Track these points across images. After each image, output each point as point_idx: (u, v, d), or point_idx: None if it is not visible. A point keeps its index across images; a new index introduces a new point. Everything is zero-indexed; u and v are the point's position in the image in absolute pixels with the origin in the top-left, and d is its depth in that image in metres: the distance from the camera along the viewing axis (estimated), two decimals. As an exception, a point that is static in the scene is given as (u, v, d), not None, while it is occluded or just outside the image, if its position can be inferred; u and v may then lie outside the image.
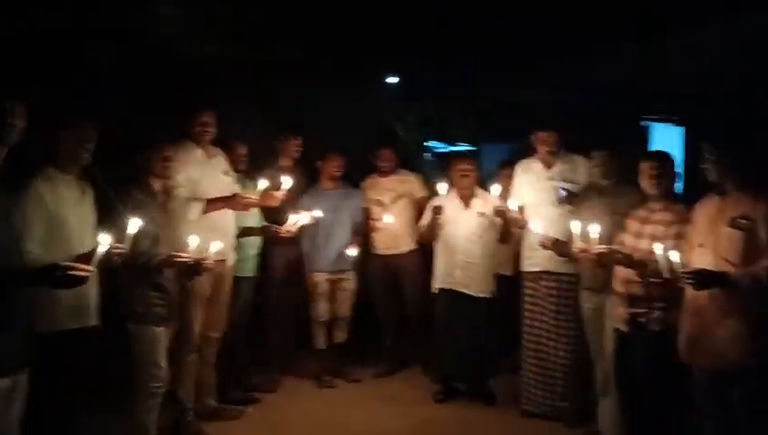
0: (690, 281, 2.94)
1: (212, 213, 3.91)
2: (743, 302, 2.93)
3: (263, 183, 3.94)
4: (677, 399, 3.43)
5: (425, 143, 11.61)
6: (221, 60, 4.74)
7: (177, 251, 3.41)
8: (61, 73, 4.24)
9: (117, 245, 2.68)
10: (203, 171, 4.02)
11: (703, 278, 2.93)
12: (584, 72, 6.63)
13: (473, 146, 9.61)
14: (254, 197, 3.92)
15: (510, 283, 4.82)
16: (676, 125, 8.01)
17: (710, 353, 3.04)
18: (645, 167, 3.54)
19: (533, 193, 4.40)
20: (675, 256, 3.02)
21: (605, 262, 3.56)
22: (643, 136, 8.20)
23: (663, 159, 3.58)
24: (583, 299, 4.08)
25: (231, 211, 4.08)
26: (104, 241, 2.52)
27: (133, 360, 3.46)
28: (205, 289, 3.99)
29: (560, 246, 3.87)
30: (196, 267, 3.42)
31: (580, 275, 4.11)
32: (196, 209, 3.82)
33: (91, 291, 3.02)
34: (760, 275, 2.84)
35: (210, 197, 3.94)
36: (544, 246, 3.89)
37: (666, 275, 3.03)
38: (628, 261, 3.46)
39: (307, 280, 5.01)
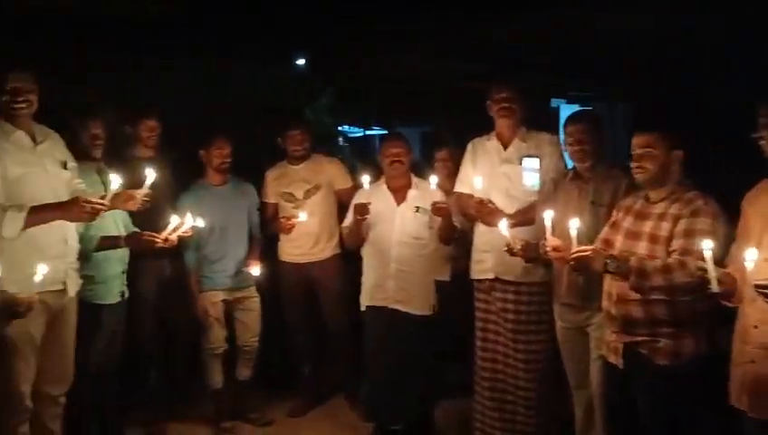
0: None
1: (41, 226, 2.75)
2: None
3: (116, 179, 2.79)
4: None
5: (337, 128, 10.81)
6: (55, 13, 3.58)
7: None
8: None
9: None
10: (26, 164, 2.83)
11: None
12: (491, 44, 5.89)
13: (386, 130, 8.90)
14: (98, 199, 2.75)
15: (449, 288, 3.95)
16: (584, 105, 7.42)
17: None
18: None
19: (486, 180, 3.45)
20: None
21: (581, 269, 2.68)
22: (553, 118, 7.55)
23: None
24: (558, 316, 3.20)
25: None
26: None
27: None
28: (32, 334, 2.83)
29: (531, 251, 2.93)
30: (12, 308, 2.45)
31: (551, 286, 3.24)
32: (14, 222, 2.63)
33: None
34: None
35: (37, 202, 2.76)
36: (511, 252, 2.94)
37: (714, 288, 2.18)
38: (623, 270, 2.55)
39: (195, 302, 3.92)
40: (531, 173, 3.45)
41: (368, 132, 11.56)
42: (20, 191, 2.77)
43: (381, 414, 3.86)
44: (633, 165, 2.67)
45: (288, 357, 4.39)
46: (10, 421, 2.82)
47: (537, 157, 3.44)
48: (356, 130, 11.68)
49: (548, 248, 2.72)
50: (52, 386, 3.01)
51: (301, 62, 7.56)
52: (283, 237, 4.19)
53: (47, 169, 2.91)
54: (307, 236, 4.13)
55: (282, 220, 4.05)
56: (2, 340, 2.67)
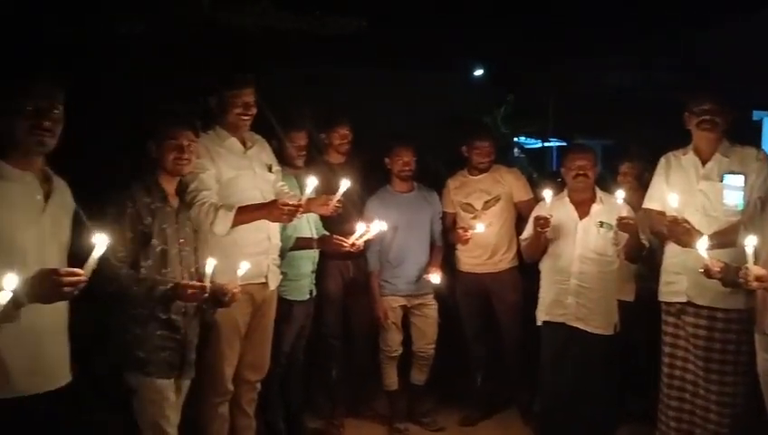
0: None
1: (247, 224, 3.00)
2: None
3: (311, 182, 2.99)
4: None
5: (514, 139, 10.72)
6: (261, 30, 3.87)
7: (194, 276, 2.66)
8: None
9: (72, 271, 1.88)
10: (238, 167, 3.12)
11: None
12: (689, 52, 5.47)
13: (565, 142, 8.65)
14: (295, 202, 2.95)
15: (632, 309, 3.79)
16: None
17: None
18: None
19: (681, 197, 3.24)
20: None
21: None
22: (756, 132, 6.86)
23: None
24: (761, 347, 2.92)
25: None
26: (100, 241, 1.92)
27: (134, 421, 2.59)
28: (237, 322, 3.10)
29: (731, 275, 2.71)
30: (220, 297, 2.65)
31: (753, 313, 2.96)
32: (224, 221, 2.89)
33: (51, 345, 2.15)
34: None
35: (246, 202, 3.01)
36: (708, 274, 2.74)
37: None
38: None
39: (376, 304, 4.05)
40: (733, 191, 3.19)
41: (545, 144, 11.32)
42: (231, 192, 3.04)
43: (555, 433, 3.77)
44: None
45: (463, 366, 4.40)
46: (213, 401, 3.11)
47: (741, 174, 3.18)
48: (532, 141, 11.50)
49: (750, 278, 2.51)
50: (251, 372, 3.27)
51: (478, 72, 7.60)
52: (460, 247, 4.19)
53: (255, 172, 3.17)
54: (484, 246, 4.12)
55: (459, 231, 4.07)
56: (211, 325, 2.96)
